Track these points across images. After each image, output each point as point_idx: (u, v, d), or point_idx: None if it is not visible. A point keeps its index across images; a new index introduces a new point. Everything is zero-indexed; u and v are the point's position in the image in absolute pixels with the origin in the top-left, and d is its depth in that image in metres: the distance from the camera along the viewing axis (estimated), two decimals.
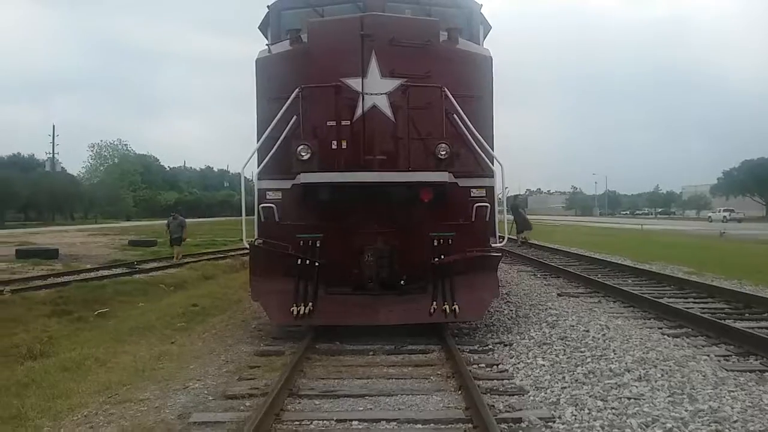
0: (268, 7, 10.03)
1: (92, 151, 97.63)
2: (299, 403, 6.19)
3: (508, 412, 5.80)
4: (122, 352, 8.47)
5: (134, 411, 6.02)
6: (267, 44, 9.74)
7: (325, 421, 5.61)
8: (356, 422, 5.60)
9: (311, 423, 5.59)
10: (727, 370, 6.98)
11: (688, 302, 11.81)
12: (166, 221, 25.22)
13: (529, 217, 30.65)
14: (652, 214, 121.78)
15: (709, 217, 77.29)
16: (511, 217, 25.49)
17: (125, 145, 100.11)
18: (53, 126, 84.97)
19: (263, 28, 10.47)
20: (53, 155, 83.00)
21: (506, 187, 9.63)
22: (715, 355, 7.77)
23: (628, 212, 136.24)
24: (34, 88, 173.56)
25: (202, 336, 9.52)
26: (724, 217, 71.89)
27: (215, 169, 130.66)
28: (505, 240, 9.32)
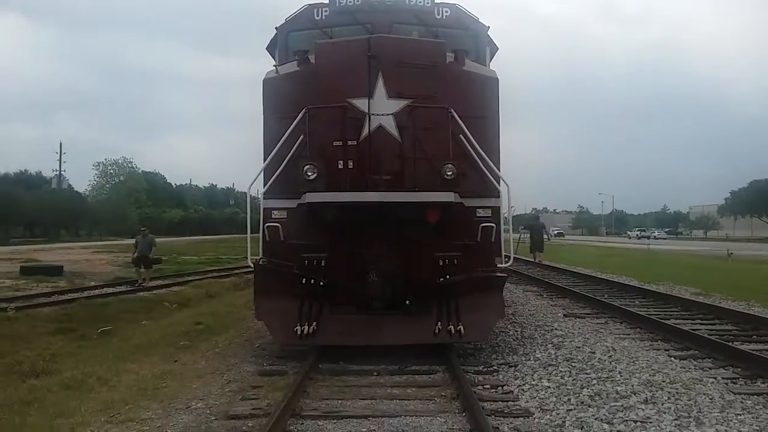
0: (276, 28, 10.10)
1: (98, 169, 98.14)
2: (302, 423, 6.15)
3: None
4: (125, 371, 8.44)
5: (136, 431, 5.98)
6: (275, 65, 9.79)
7: None
8: None
9: None
10: (734, 393, 6.90)
11: (696, 324, 11.73)
12: (134, 239, 22.53)
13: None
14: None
15: (628, 234, 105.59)
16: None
17: (130, 162, 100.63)
18: (60, 143, 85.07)
19: (271, 48, 10.53)
20: (60, 172, 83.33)
21: (512, 207, 9.61)
22: (723, 378, 7.70)
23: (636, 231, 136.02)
24: (34, 106, 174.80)
25: (205, 355, 9.48)
26: (637, 234, 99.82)
27: (219, 187, 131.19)
28: (511, 260, 9.25)
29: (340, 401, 6.82)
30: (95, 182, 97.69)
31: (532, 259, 28.56)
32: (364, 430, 5.94)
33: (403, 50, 8.69)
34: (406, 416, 6.26)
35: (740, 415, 6.00)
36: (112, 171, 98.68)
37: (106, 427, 6.11)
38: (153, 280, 21.33)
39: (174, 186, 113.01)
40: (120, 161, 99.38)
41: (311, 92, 8.75)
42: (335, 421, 6.18)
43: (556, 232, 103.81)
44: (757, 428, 5.64)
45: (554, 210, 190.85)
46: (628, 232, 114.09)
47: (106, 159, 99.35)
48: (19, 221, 70.87)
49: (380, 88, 8.52)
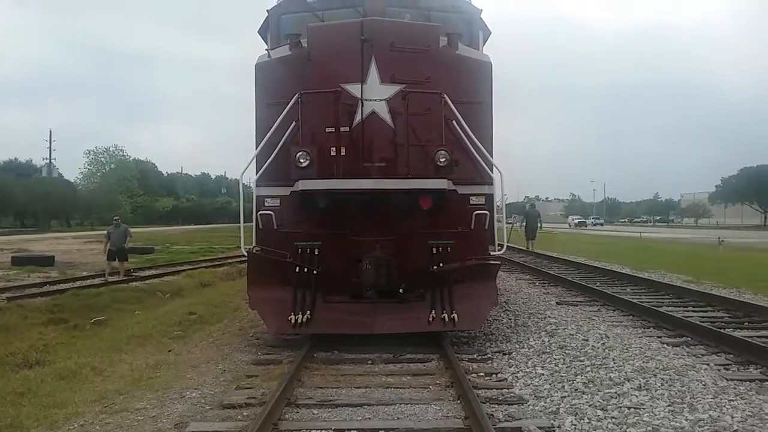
0: (267, 11, 10.00)
1: (88, 157, 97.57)
2: (297, 412, 6.15)
3: (508, 421, 5.77)
4: (119, 361, 8.41)
5: (131, 420, 5.96)
6: (266, 49, 9.72)
7: (323, 431, 5.57)
8: (355, 431, 5.56)
9: None
10: (727, 379, 6.95)
11: (688, 311, 11.79)
12: (106, 230, 20.52)
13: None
14: (650, 222, 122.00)
15: (585, 222, 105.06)
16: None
17: (122, 150, 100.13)
18: (50, 131, 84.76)
19: (263, 32, 10.45)
20: (50, 161, 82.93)
21: (505, 195, 9.61)
22: (715, 365, 7.74)
23: (626, 220, 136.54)
24: (21, 92, 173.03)
25: (199, 344, 9.46)
26: (592, 222, 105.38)
27: (212, 176, 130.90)
28: (504, 248, 9.26)
29: (335, 390, 6.82)
30: (86, 170, 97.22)
31: (525, 248, 28.58)
32: (359, 418, 5.94)
33: (396, 34, 8.63)
34: (401, 404, 6.27)
35: (733, 401, 6.04)
36: (103, 159, 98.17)
37: (101, 417, 6.09)
38: (145, 270, 21.22)
39: (165, 174, 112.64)
40: (111, 149, 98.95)
41: (304, 77, 8.69)
42: (330, 409, 6.18)
43: (577, 220, 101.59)
44: (750, 414, 5.68)
45: (546, 198, 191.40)
46: (585, 220, 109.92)
47: (96, 147, 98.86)
48: (9, 210, 70.53)
49: (373, 73, 8.47)
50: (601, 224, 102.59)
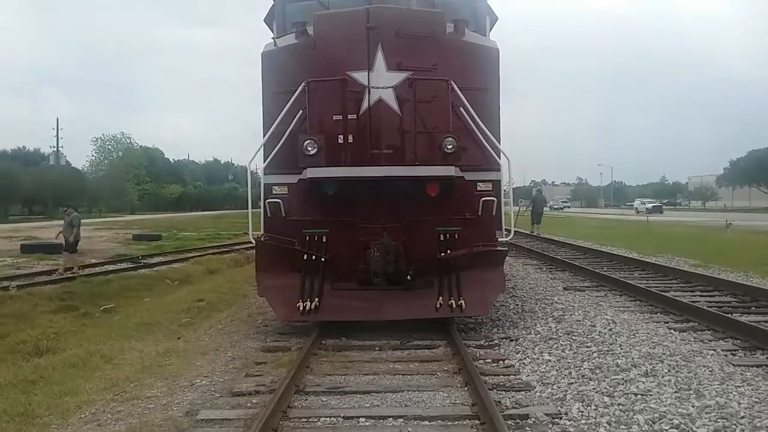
0: (273, 0, 10.00)
1: (95, 144, 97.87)
2: (306, 399, 6.20)
3: (515, 408, 5.80)
4: (129, 349, 8.49)
5: (142, 408, 6.02)
6: (273, 38, 9.72)
7: (332, 418, 5.61)
8: (363, 419, 5.59)
9: (318, 420, 5.60)
10: (734, 365, 6.95)
11: (695, 295, 11.78)
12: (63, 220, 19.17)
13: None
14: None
15: (660, 208, 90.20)
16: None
17: (129, 138, 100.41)
18: (57, 119, 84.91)
19: (269, 21, 10.43)
20: (58, 148, 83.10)
21: (512, 179, 9.61)
22: (722, 350, 7.73)
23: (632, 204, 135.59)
24: (19, 83, 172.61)
25: (208, 332, 9.53)
26: (647, 208, 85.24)
27: (221, 162, 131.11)
28: (512, 234, 9.27)
29: (343, 377, 6.87)
30: (93, 158, 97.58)
31: (531, 232, 28.66)
32: (368, 405, 5.98)
33: (402, 21, 8.62)
34: (408, 391, 6.30)
35: (740, 387, 6.05)
36: (110, 146, 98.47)
37: (112, 405, 6.16)
38: (153, 257, 21.27)
39: (172, 161, 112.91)
40: (118, 136, 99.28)
41: (310, 65, 8.69)
42: (339, 396, 6.23)
43: (650, 205, 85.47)
44: (757, 400, 5.69)
45: (553, 182, 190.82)
46: (635, 205, 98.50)
47: (103, 134, 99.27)
48: (18, 198, 70.85)
49: (380, 60, 8.48)
50: (660, 212, 79.24)
